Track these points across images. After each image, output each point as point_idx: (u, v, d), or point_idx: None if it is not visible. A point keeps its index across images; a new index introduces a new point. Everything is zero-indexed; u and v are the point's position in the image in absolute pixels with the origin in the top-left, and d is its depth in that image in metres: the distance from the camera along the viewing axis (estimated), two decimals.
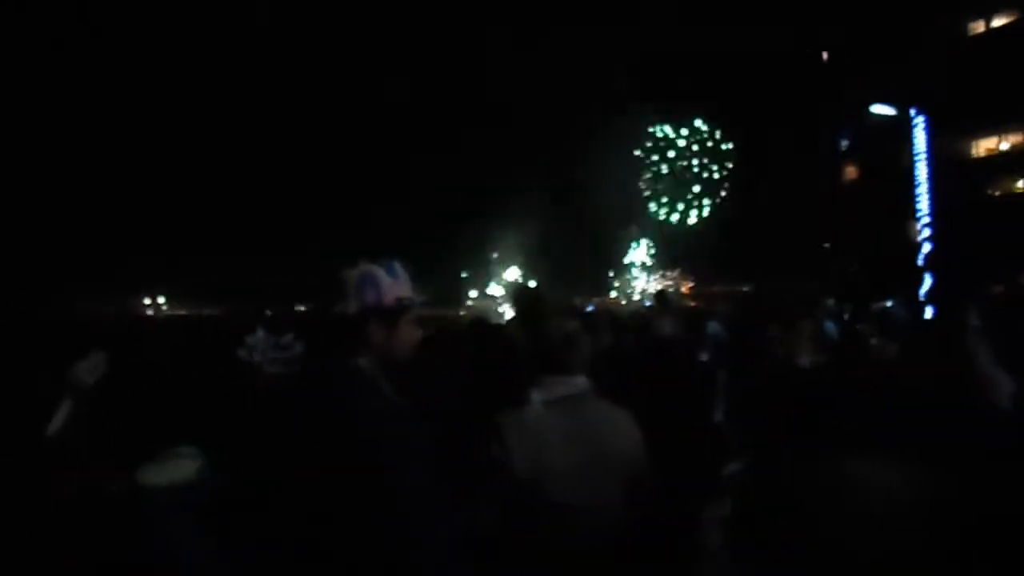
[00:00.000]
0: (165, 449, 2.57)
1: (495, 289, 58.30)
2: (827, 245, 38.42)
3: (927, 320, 9.78)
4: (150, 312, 72.08)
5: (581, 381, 2.94)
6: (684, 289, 52.12)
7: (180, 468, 2.50)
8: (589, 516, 2.71)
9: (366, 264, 2.47)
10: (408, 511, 2.13)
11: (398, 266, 2.52)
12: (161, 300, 77.37)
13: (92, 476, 2.51)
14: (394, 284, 2.44)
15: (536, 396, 2.92)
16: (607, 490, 2.76)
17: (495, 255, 58.96)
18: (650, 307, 11.01)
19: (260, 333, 3.49)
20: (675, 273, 55.22)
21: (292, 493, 2.67)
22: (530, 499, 2.63)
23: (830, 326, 8.42)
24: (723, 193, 50.45)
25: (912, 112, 19.32)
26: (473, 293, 63.70)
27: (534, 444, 2.73)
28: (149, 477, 2.44)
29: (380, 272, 2.44)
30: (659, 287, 47.84)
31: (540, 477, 2.69)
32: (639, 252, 56.90)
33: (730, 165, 50.08)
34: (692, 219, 52.27)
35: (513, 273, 56.63)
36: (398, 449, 2.16)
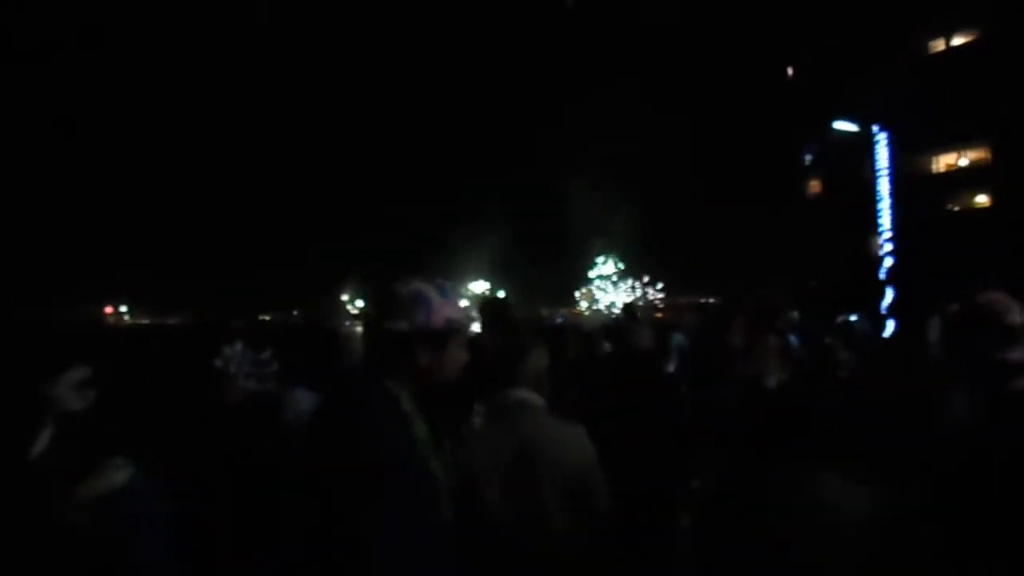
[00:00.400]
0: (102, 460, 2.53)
1: (463, 301, 58.25)
2: (791, 259, 38.81)
3: (890, 335, 9.90)
4: (111, 320, 71.06)
5: (523, 394, 2.95)
6: (654, 300, 52.45)
7: (112, 478, 2.47)
8: (519, 527, 2.74)
9: (417, 282, 2.35)
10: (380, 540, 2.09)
11: (449, 286, 2.41)
12: (123, 308, 76.29)
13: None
14: (445, 305, 2.33)
15: (477, 408, 2.97)
16: (540, 502, 2.76)
17: (462, 267, 58.96)
18: (618, 319, 11.07)
19: (239, 346, 3.45)
20: (642, 283, 55.58)
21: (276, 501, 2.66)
22: (463, 510, 2.65)
23: (793, 339, 8.50)
24: None
25: (874, 128, 19.64)
26: None
27: (467, 455, 2.78)
28: (86, 491, 2.41)
29: (431, 291, 2.33)
30: (627, 299, 48.09)
31: (471, 487, 2.72)
32: (606, 266, 57.17)
33: None
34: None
35: (481, 285, 56.70)
36: (395, 475, 2.11)
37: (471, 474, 2.75)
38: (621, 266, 56.77)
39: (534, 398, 2.97)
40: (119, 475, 2.47)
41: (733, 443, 2.77)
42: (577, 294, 58.48)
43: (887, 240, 18.86)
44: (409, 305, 2.27)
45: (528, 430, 2.87)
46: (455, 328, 2.37)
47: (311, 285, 69.30)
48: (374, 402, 2.20)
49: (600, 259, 57.04)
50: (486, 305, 5.60)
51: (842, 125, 20.91)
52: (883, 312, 16.78)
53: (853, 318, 8.94)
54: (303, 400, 3.65)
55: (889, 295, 17.63)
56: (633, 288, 55.86)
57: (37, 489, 2.41)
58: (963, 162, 35.00)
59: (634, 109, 52.11)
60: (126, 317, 75.51)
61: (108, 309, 74.98)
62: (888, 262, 18.42)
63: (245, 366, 3.40)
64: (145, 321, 69.52)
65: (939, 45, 35.00)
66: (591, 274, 57.53)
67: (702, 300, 42.97)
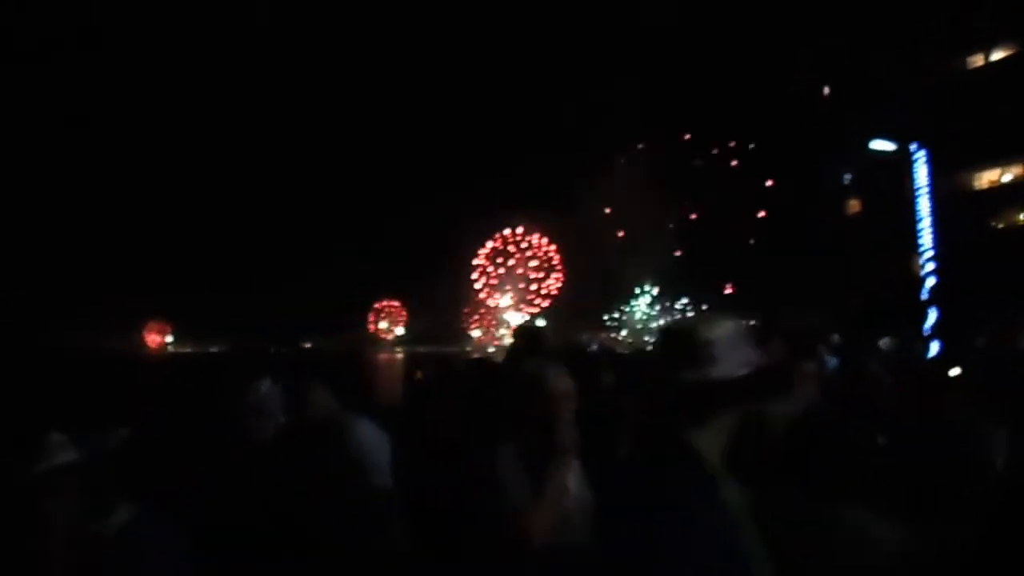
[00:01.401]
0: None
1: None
2: (831, 280, 38.34)
3: (932, 359, 9.70)
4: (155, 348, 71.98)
5: None
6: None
7: (118, 516, 2.51)
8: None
9: (731, 320, 2.26)
10: None
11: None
12: (169, 338, 77.09)
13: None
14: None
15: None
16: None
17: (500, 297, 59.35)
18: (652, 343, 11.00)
19: (267, 379, 3.45)
20: (682, 305, 55.12)
21: None
22: None
23: (831, 361, 8.38)
24: None
25: (913, 147, 19.37)
26: (476, 332, 63.76)
27: None
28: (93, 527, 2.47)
29: (743, 327, 2.25)
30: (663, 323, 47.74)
31: None
32: (644, 297, 56.80)
33: None
34: None
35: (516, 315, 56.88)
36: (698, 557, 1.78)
37: None
38: (653, 291, 56.31)
39: None
40: (123, 514, 2.51)
41: (770, 474, 2.75)
42: (618, 318, 58.09)
43: (929, 259, 18.51)
44: (731, 346, 2.07)
45: None
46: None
47: (350, 309, 69.77)
48: (678, 467, 1.91)
49: (638, 289, 56.65)
50: (521, 333, 5.60)
51: (880, 144, 20.65)
52: (926, 333, 16.44)
53: (887, 339, 8.79)
54: (366, 431, 3.68)
55: (932, 316, 17.27)
56: (673, 310, 55.47)
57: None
58: (1006, 178, 34.46)
59: (671, 126, 52.02)
60: (170, 345, 76.36)
61: (155, 337, 75.89)
62: (930, 282, 18.07)
63: (272, 399, 3.39)
64: (187, 349, 70.33)
65: (978, 60, 34.59)
66: (633, 302, 57.16)
67: (742, 321, 42.50)
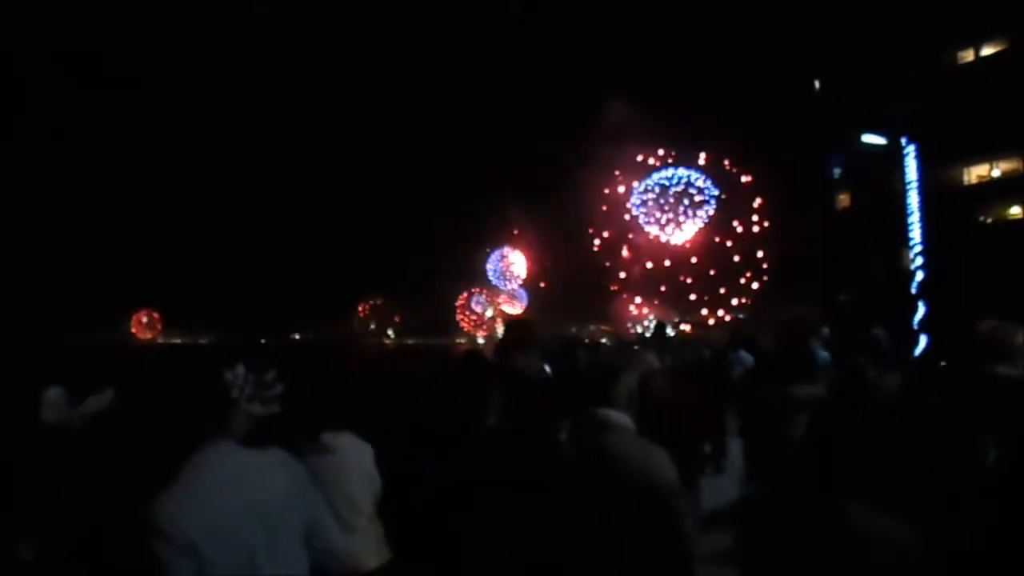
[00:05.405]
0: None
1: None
2: (823, 274, 38.44)
3: (921, 353, 9.73)
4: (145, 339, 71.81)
5: (612, 414, 3.06)
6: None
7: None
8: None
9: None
10: None
11: None
12: (158, 331, 76.87)
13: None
14: None
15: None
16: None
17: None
18: (641, 340, 11.02)
19: (240, 368, 3.27)
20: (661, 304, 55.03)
21: None
22: None
23: (823, 355, 8.39)
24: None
25: (903, 141, 19.43)
26: (465, 325, 63.74)
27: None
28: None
29: None
30: (655, 317, 47.75)
31: None
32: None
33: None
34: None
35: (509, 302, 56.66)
36: None
37: None
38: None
39: (622, 418, 3.00)
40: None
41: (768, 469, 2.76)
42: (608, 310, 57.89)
43: (918, 253, 18.58)
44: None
45: (615, 450, 2.88)
46: None
47: (340, 303, 69.78)
48: None
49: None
50: (512, 326, 5.60)
51: (870, 138, 20.71)
52: (915, 327, 16.52)
53: (876, 331, 8.74)
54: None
55: (921, 310, 17.34)
56: (656, 304, 55.30)
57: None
58: (995, 173, 34.59)
59: (659, 116, 51.82)
60: (159, 337, 76.14)
61: (143, 329, 75.54)
62: (919, 276, 18.13)
63: (248, 389, 3.21)
64: (176, 341, 70.12)
65: (968, 55, 34.67)
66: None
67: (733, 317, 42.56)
